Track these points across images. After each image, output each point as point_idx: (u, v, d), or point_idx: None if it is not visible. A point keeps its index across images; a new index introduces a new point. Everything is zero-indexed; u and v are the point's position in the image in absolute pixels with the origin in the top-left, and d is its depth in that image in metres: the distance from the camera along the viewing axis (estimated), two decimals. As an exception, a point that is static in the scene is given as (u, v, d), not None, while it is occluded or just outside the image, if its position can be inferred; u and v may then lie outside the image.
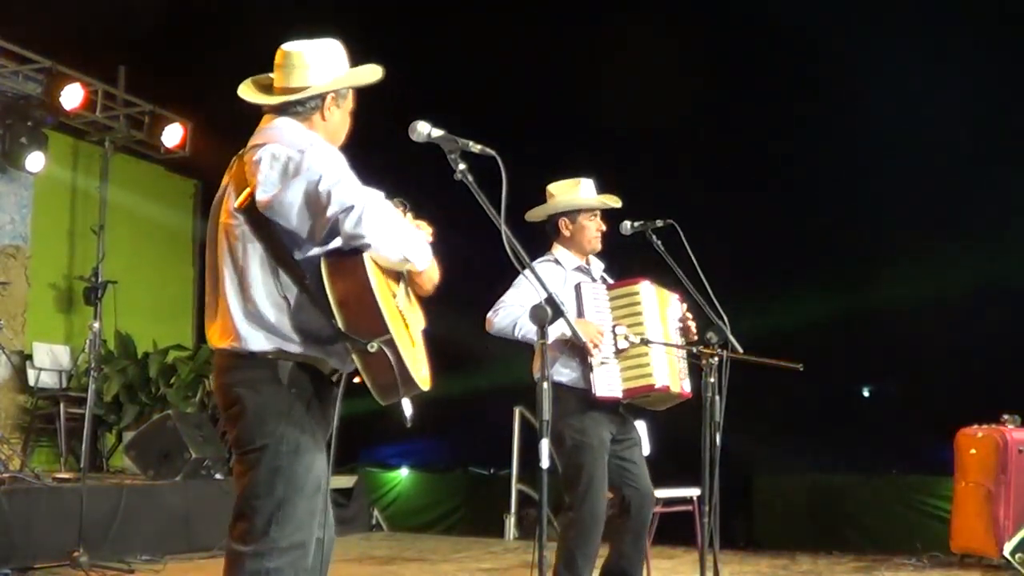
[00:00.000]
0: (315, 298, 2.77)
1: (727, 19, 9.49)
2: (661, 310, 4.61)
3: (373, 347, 2.72)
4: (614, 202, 4.76)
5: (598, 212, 4.73)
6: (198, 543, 7.07)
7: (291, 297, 2.80)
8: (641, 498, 4.56)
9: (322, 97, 2.98)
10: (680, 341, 4.67)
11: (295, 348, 2.80)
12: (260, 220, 2.80)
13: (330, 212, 2.70)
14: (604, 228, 4.73)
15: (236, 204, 2.84)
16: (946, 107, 8.98)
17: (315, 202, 2.72)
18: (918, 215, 9.12)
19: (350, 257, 2.75)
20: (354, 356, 2.75)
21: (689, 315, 4.70)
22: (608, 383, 4.45)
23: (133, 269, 9.75)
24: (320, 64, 2.97)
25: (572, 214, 4.71)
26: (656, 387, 4.47)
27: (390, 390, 2.79)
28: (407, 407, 2.87)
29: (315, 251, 2.80)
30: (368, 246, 2.72)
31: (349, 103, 3.08)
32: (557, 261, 4.69)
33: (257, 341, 2.80)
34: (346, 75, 3.02)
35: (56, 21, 8.74)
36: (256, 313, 2.80)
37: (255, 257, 2.81)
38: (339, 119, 3.04)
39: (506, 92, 9.63)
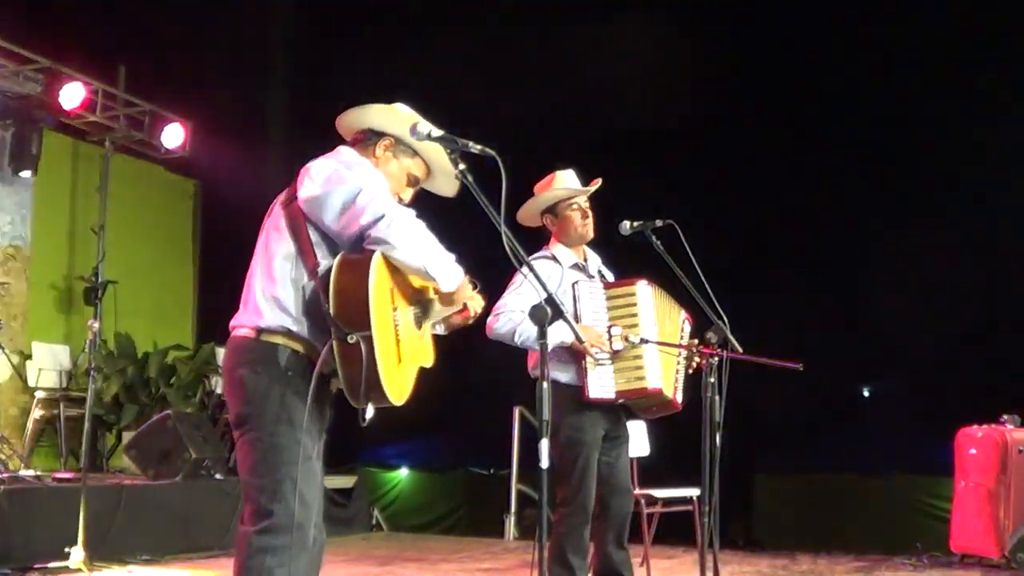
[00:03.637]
0: (323, 287, 2.92)
1: (728, 19, 9.50)
2: (659, 312, 4.57)
3: (352, 338, 2.83)
4: (591, 186, 4.66)
5: (579, 200, 4.65)
6: (198, 543, 7.08)
7: (305, 285, 2.98)
8: (620, 496, 4.56)
9: (379, 135, 3.20)
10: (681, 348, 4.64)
11: (299, 329, 2.96)
12: (296, 216, 3.01)
13: (363, 221, 2.91)
14: (590, 215, 4.66)
15: (281, 200, 3.08)
16: (943, 104, 8.98)
17: (351, 210, 2.93)
18: (918, 215, 9.12)
19: (361, 254, 2.93)
20: (334, 343, 2.86)
21: (697, 351, 4.64)
22: (601, 384, 4.45)
23: (133, 269, 9.75)
24: (391, 112, 3.20)
25: (553, 208, 4.67)
26: (649, 389, 4.47)
27: (356, 388, 2.87)
28: (370, 410, 2.95)
29: (335, 255, 2.96)
30: (392, 248, 2.90)
31: (411, 165, 3.24)
32: (554, 258, 4.65)
33: (269, 316, 2.97)
34: (403, 125, 3.14)
35: (56, 21, 8.74)
36: (273, 292, 2.99)
37: (283, 246, 3.02)
38: (394, 169, 3.21)
39: (506, 91, 9.63)
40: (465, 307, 3.27)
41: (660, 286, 4.62)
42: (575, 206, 4.65)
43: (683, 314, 4.70)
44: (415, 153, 3.24)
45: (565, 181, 4.68)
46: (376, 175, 3.07)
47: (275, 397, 2.92)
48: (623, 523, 4.58)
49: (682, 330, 4.70)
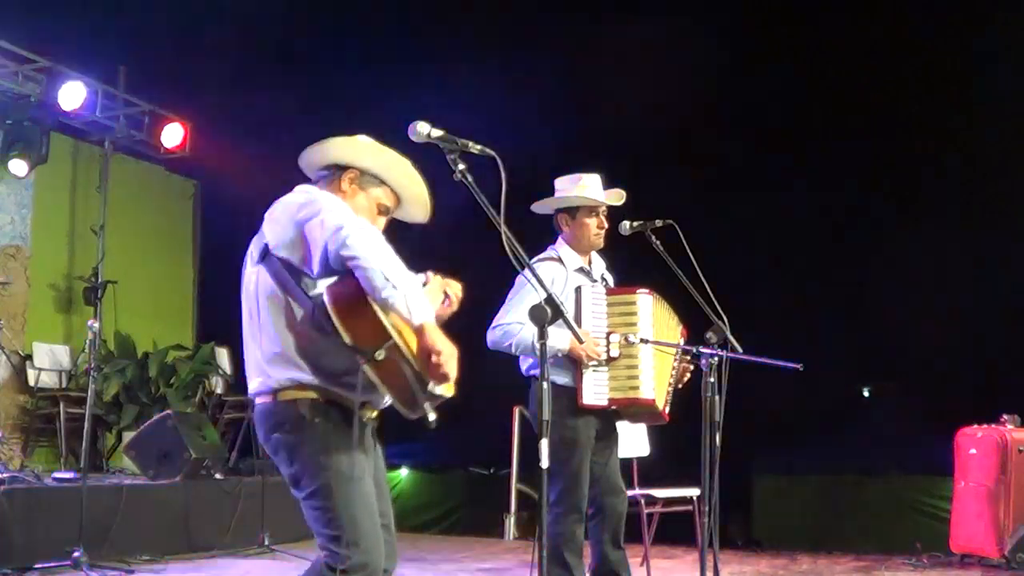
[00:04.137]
0: (323, 328, 2.87)
1: (729, 19, 9.49)
2: (657, 323, 4.61)
3: (380, 355, 2.78)
4: (615, 200, 4.71)
5: (600, 209, 4.68)
6: (198, 543, 7.09)
7: (302, 331, 2.94)
8: (613, 496, 4.62)
9: (343, 169, 3.13)
10: (674, 364, 4.67)
11: (309, 379, 2.93)
12: (272, 262, 2.97)
13: (325, 237, 2.81)
14: (606, 226, 4.69)
15: (255, 251, 3.03)
16: (944, 104, 8.98)
17: (313, 235, 2.85)
18: (919, 215, 9.12)
19: (348, 278, 2.84)
20: (368, 370, 2.80)
21: (690, 365, 4.70)
22: (595, 391, 4.50)
23: (133, 269, 9.76)
24: (352, 144, 3.14)
25: (572, 210, 4.69)
26: (641, 399, 4.52)
27: (409, 397, 2.84)
28: (430, 411, 2.90)
29: (321, 285, 2.91)
30: (359, 266, 2.77)
31: (379, 195, 3.17)
32: (560, 260, 4.67)
33: (275, 374, 2.96)
34: (366, 155, 3.13)
35: (56, 21, 8.73)
36: (273, 349, 2.96)
37: (267, 297, 2.98)
38: (362, 201, 3.15)
39: (508, 90, 9.63)
40: (446, 295, 3.20)
41: (660, 286, 4.63)
42: (594, 214, 4.68)
43: (681, 327, 4.73)
44: (382, 182, 3.17)
45: (591, 187, 4.69)
46: (336, 201, 2.99)
47: (311, 451, 2.93)
48: (618, 523, 4.63)
49: (678, 344, 4.73)
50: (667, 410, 4.69)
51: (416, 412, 2.88)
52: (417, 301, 2.81)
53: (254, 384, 3.03)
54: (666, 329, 4.66)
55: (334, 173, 3.15)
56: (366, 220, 3.05)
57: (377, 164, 3.15)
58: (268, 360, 2.97)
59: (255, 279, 3.02)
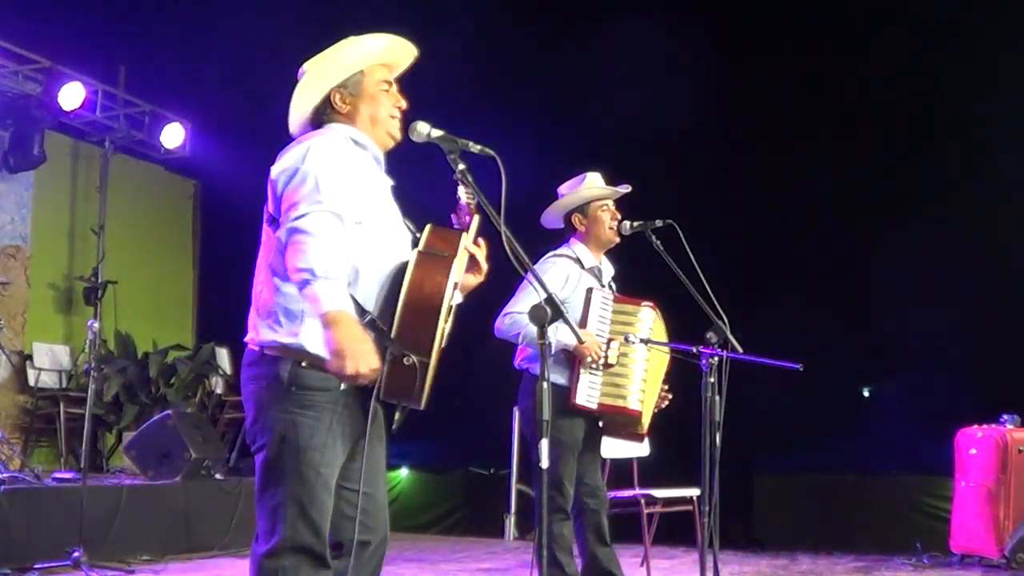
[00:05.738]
0: (389, 306, 2.77)
1: (729, 19, 9.49)
2: (654, 338, 4.64)
3: (409, 361, 2.70)
4: (623, 189, 4.78)
5: (610, 201, 4.75)
6: (198, 543, 7.08)
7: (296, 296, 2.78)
8: (593, 496, 4.66)
9: (326, 101, 3.01)
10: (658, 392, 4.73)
11: (296, 344, 2.77)
12: (276, 219, 2.85)
13: (287, 210, 2.75)
14: (619, 217, 4.75)
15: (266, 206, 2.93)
16: (943, 105, 8.97)
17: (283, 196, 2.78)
18: (918, 215, 9.12)
19: (439, 270, 2.76)
20: (388, 361, 2.71)
21: (668, 394, 4.76)
22: (588, 394, 4.54)
23: (133, 269, 9.75)
24: (315, 80, 3.00)
25: (583, 208, 4.75)
26: (628, 409, 4.57)
27: (397, 397, 2.79)
28: (401, 415, 2.87)
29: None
30: (295, 241, 2.66)
31: (372, 80, 3.03)
32: (578, 259, 4.73)
33: (263, 333, 2.82)
34: (329, 74, 3.00)
35: (56, 21, 8.74)
36: (266, 306, 2.83)
37: (274, 253, 2.81)
38: (365, 105, 3.00)
39: (509, 91, 9.63)
40: (476, 262, 3.07)
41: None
42: (605, 207, 4.74)
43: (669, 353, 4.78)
44: (362, 72, 3.01)
45: (596, 182, 4.77)
46: (321, 157, 2.82)
47: (278, 414, 2.78)
48: (600, 521, 4.67)
49: (668, 367, 4.77)
50: (647, 429, 4.73)
51: (390, 401, 2.81)
52: (332, 291, 2.63)
53: (250, 329, 2.90)
54: (660, 349, 4.70)
55: (323, 111, 3.01)
56: (384, 116, 2.99)
57: (344, 68, 3.00)
58: (260, 315, 2.84)
59: (265, 227, 2.91)
